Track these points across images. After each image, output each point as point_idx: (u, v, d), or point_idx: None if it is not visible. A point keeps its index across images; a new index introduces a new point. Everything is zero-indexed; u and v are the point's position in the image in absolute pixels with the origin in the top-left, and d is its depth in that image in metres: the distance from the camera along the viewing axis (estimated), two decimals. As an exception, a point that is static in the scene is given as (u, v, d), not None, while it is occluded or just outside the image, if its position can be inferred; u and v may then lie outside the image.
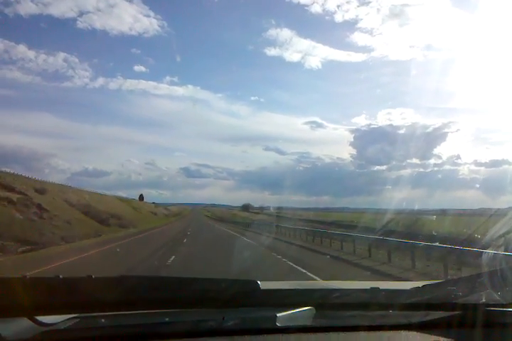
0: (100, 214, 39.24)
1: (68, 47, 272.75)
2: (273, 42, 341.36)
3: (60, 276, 1.34)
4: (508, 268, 1.67)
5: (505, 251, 8.98)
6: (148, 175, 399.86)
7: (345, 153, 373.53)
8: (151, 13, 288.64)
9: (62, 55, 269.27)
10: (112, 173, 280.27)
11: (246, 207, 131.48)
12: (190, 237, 27.97)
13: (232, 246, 19.81)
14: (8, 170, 46.41)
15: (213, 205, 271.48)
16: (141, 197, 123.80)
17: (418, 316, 1.64)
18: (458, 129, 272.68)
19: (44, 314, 1.37)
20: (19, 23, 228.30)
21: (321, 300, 1.61)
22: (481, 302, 1.59)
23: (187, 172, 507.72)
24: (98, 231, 30.24)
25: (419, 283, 1.76)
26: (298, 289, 2.08)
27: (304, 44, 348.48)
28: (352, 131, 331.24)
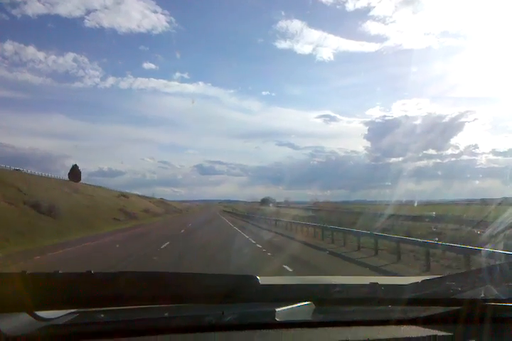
0: None
1: (77, 47, 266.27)
2: (283, 35, 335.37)
3: (60, 271, 1.35)
4: (507, 264, 1.66)
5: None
6: (163, 173, 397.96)
7: (360, 146, 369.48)
8: (159, 9, 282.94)
9: (71, 55, 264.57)
10: (126, 173, 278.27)
11: (265, 202, 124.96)
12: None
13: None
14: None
15: (228, 201, 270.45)
16: (74, 174, 66.01)
17: (417, 311, 1.64)
18: (475, 118, 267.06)
19: (44, 309, 1.37)
20: (27, 24, 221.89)
21: (321, 295, 1.62)
22: (480, 297, 1.58)
23: (201, 169, 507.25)
24: None
25: (419, 278, 1.76)
26: (297, 284, 2.08)
27: (315, 35, 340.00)
28: (366, 124, 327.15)
